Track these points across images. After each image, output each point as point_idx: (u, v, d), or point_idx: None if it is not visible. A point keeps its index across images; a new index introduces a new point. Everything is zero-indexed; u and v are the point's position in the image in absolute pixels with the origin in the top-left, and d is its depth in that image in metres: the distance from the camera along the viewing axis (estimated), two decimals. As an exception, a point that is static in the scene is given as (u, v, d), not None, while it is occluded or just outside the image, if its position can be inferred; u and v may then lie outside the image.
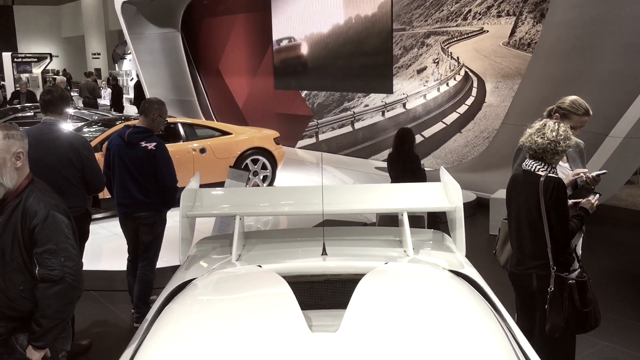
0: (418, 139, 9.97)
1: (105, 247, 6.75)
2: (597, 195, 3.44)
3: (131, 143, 4.74)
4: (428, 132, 11.10)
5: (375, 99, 12.09)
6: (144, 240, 4.90)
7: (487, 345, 1.97)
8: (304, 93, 13.70)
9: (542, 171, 3.36)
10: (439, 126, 10.96)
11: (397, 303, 2.20)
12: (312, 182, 9.89)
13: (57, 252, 2.59)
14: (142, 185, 4.76)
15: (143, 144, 4.71)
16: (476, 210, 8.34)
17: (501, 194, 7.23)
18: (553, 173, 3.37)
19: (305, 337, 1.87)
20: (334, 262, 2.78)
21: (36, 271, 2.59)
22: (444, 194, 3.33)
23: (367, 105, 12.31)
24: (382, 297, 2.23)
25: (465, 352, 1.88)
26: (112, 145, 4.85)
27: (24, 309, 2.63)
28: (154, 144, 4.72)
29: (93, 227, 7.51)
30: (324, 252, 2.83)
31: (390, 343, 1.88)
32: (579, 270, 3.39)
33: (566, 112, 3.81)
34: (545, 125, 3.39)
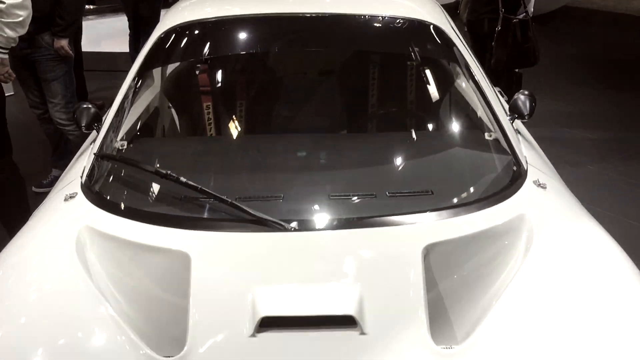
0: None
1: (105, 39, 7.19)
2: None
3: None
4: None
5: None
6: (143, 15, 5.33)
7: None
8: None
9: None
10: None
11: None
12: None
13: None
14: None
15: None
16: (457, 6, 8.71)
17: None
18: None
19: None
20: None
21: None
22: None
23: None
24: None
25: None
26: None
27: (44, 10, 3.35)
28: None
29: (92, 23, 7.97)
30: None
31: None
32: (524, 14, 3.96)
33: None
34: None
